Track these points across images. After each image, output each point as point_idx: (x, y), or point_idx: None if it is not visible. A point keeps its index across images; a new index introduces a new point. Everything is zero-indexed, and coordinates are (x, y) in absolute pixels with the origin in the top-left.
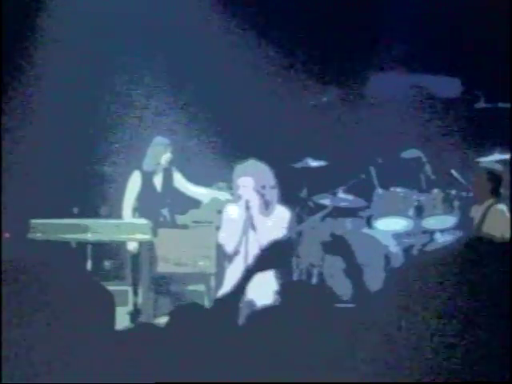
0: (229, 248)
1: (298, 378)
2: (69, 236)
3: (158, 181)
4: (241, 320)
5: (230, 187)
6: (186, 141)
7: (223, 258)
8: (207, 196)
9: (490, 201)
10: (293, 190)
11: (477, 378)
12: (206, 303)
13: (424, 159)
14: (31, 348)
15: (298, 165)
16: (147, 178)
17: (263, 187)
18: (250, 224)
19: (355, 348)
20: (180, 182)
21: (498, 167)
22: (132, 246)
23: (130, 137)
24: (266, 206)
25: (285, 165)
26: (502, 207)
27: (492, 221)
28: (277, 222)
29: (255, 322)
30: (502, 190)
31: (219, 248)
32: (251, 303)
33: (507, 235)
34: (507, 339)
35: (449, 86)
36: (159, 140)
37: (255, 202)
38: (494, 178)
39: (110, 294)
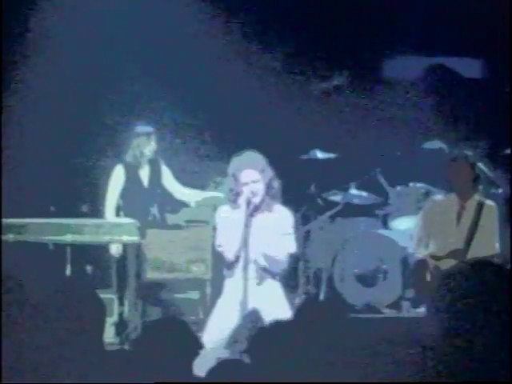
0: (229, 254)
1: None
2: (45, 237)
3: (144, 175)
4: (245, 331)
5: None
6: (173, 130)
7: (220, 262)
8: (199, 198)
9: (476, 197)
10: (299, 185)
11: (477, 378)
12: (201, 313)
13: (447, 151)
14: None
15: (305, 158)
16: (132, 172)
17: (270, 181)
18: (251, 224)
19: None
20: (169, 180)
21: (474, 156)
22: (115, 250)
23: (111, 127)
24: (274, 198)
25: (290, 158)
26: (492, 204)
27: (487, 221)
28: (280, 222)
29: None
30: (480, 183)
31: (215, 251)
32: (255, 313)
33: (497, 236)
34: (507, 339)
35: (474, 68)
36: (141, 128)
37: (258, 198)
38: (474, 170)
39: (96, 302)
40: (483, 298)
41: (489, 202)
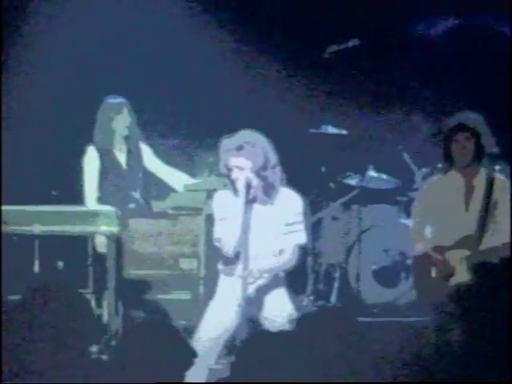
0: (228, 248)
1: None
2: (10, 228)
3: (121, 155)
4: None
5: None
6: (154, 100)
7: (215, 257)
8: (189, 182)
9: (482, 172)
10: (308, 166)
11: (477, 378)
12: (192, 317)
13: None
14: None
15: (315, 134)
16: (106, 154)
17: (264, 167)
18: (251, 215)
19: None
20: (150, 160)
21: (480, 122)
22: (101, 244)
23: (80, 99)
24: (268, 190)
25: (297, 135)
26: (504, 178)
27: (500, 199)
28: (287, 209)
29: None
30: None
31: (209, 244)
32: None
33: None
34: (507, 339)
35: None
36: (110, 100)
37: (257, 184)
38: (479, 141)
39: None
40: (484, 297)
41: (500, 176)
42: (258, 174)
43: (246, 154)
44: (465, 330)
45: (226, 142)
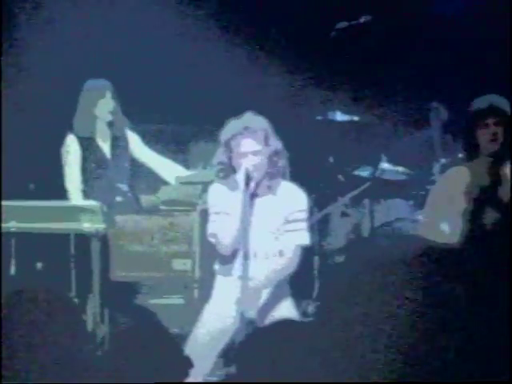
0: (225, 245)
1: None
2: None
3: (104, 144)
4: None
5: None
6: (144, 84)
7: (211, 257)
8: (183, 173)
9: (508, 162)
10: (314, 156)
11: (477, 378)
12: (186, 323)
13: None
14: None
15: (322, 120)
16: (88, 142)
17: (274, 155)
18: (252, 209)
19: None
20: (138, 149)
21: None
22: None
23: (61, 85)
24: (270, 180)
25: (302, 122)
26: None
27: None
28: (288, 206)
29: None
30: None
31: (205, 242)
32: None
33: None
34: (507, 339)
35: None
36: (91, 83)
37: (259, 175)
38: (509, 125)
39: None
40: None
41: None
42: (271, 159)
43: (258, 138)
44: (465, 330)
45: (232, 125)
